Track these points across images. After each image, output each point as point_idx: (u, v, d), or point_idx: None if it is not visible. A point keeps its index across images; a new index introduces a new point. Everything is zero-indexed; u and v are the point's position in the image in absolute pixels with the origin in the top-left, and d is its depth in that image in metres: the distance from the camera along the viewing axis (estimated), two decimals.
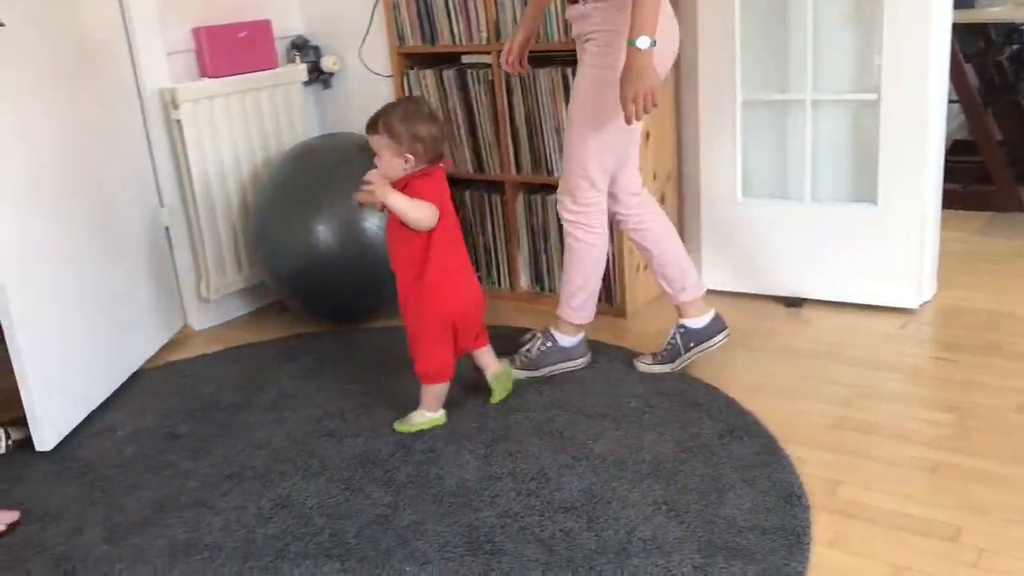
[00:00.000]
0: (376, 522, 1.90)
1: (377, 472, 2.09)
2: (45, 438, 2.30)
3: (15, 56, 2.32)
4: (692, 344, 2.43)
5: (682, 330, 2.44)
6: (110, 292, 2.66)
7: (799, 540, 1.74)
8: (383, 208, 2.17)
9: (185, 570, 1.80)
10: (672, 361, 2.45)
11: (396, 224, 2.18)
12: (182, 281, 3.03)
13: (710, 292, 3.02)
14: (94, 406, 2.50)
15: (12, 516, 2.01)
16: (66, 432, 2.36)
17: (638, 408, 2.28)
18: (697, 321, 2.44)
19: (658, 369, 2.46)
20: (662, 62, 2.14)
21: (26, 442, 2.30)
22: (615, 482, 1.97)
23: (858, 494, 1.89)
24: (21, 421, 2.30)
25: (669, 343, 2.46)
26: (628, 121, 2.11)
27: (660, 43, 2.06)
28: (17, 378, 2.26)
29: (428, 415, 2.28)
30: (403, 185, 2.15)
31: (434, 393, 2.27)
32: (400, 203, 2.12)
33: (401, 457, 2.14)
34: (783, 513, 1.82)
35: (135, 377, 2.71)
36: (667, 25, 2.17)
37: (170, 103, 2.84)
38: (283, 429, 2.32)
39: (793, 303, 2.88)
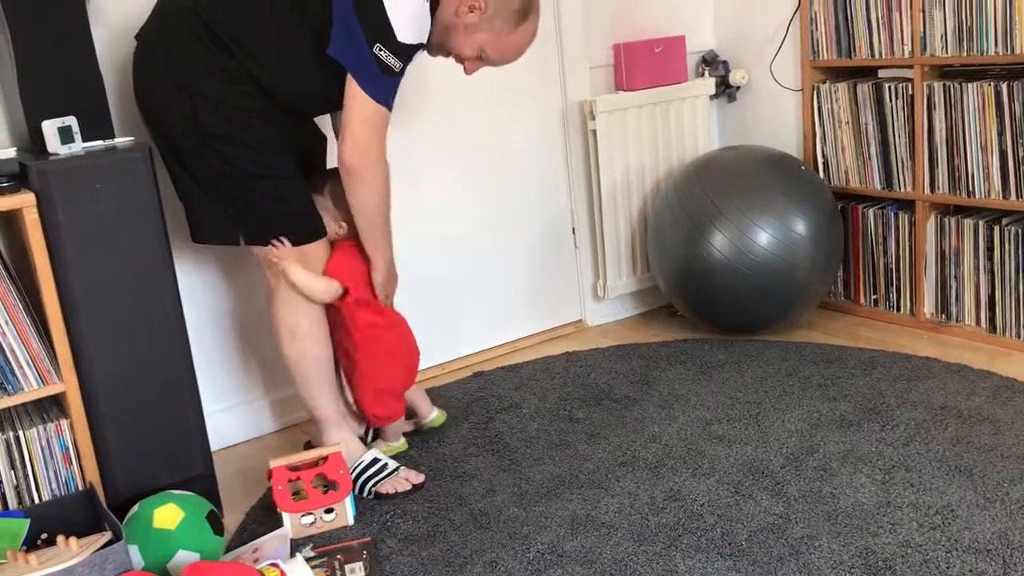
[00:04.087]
0: (767, 529, 1.91)
1: (767, 482, 2.10)
2: None
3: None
4: None
5: None
6: (517, 279, 2.96)
7: None
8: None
9: (584, 542, 1.94)
10: None
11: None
12: (582, 279, 3.25)
13: None
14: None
15: (419, 478, 2.25)
16: None
17: None
18: None
19: None
20: None
21: (415, 432, 2.53)
22: None
23: None
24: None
25: None
26: None
27: None
28: None
29: (392, 445, 2.43)
30: (335, 247, 2.20)
31: (392, 427, 2.41)
32: (299, 277, 2.13)
33: (792, 471, 2.13)
34: None
35: (539, 363, 2.96)
36: None
37: (588, 114, 3.06)
38: (673, 427, 2.41)
39: None
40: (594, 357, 2.96)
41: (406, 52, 1.97)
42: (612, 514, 2.04)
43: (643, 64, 3.12)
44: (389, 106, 2.01)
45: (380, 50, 1.93)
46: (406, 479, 2.24)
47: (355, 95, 1.97)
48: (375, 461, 2.25)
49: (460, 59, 2.13)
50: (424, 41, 2.01)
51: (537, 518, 2.05)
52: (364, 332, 2.26)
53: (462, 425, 2.54)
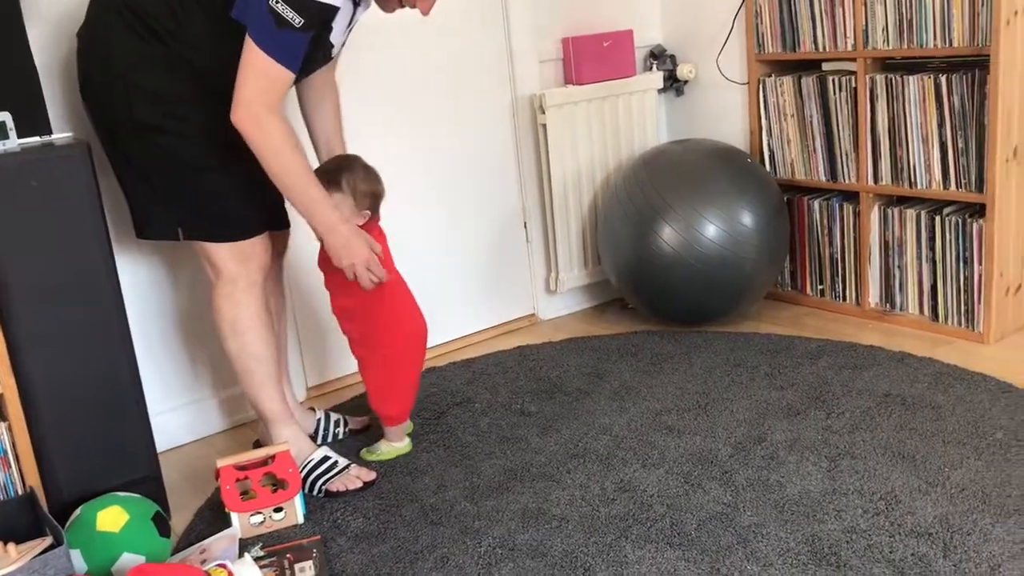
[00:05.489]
0: (716, 518, 1.93)
1: (715, 471, 2.12)
2: None
3: (412, 69, 2.64)
4: None
5: None
6: (469, 274, 2.94)
7: None
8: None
9: (535, 535, 1.94)
10: None
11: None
12: (534, 273, 3.25)
13: None
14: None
15: (370, 475, 2.23)
16: None
17: (1005, 441, 2.11)
18: None
19: None
20: None
21: (363, 431, 2.53)
22: (975, 514, 1.84)
23: None
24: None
25: None
26: None
27: None
28: None
29: (396, 445, 2.38)
30: None
31: (397, 428, 2.38)
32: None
33: (740, 460, 2.16)
34: None
35: (491, 357, 2.95)
36: None
37: (538, 108, 3.06)
38: (624, 418, 2.43)
39: None
40: (546, 351, 2.97)
41: (309, 8, 1.88)
42: (563, 506, 2.04)
43: (592, 58, 3.12)
44: (287, 64, 1.91)
45: (277, 3, 1.85)
46: (357, 476, 2.22)
47: (249, 48, 1.89)
48: (325, 459, 2.23)
49: (411, 2, 2.06)
50: (337, 4, 1.93)
51: (488, 512, 2.05)
52: (380, 327, 2.27)
53: (414, 421, 2.53)
